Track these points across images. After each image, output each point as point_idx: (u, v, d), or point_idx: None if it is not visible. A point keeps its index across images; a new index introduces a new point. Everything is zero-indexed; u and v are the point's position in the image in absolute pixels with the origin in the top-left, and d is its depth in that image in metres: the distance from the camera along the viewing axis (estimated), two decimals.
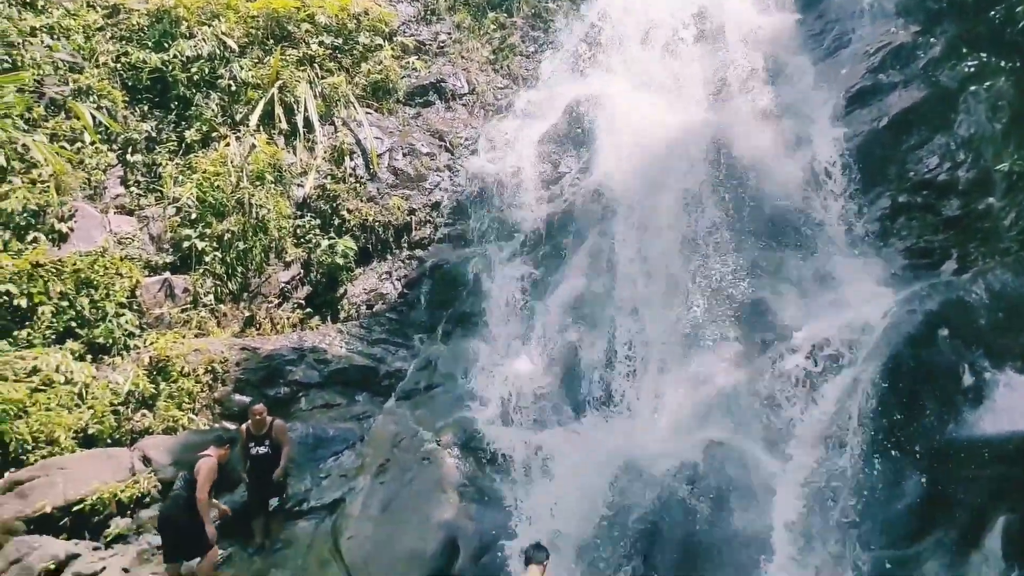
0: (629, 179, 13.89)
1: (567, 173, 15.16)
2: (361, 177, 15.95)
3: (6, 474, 10.91)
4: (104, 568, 9.86)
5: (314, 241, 15.12)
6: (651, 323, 12.34)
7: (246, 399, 12.65)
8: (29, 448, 11.27)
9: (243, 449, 10.61)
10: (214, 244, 14.58)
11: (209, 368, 12.93)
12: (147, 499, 10.69)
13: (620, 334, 12.43)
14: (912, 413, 10.01)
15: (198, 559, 9.42)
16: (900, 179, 12.54)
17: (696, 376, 11.50)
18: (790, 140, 13.60)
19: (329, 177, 15.83)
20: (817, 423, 10.36)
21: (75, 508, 10.33)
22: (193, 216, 14.67)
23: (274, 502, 10.81)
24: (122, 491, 10.50)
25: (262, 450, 10.51)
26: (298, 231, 15.33)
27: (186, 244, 14.45)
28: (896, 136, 12.77)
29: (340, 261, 14.80)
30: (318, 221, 15.42)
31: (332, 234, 15.23)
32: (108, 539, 10.34)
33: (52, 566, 9.64)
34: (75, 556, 9.91)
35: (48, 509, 10.21)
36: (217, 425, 12.45)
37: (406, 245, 15.49)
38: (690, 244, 12.79)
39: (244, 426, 10.81)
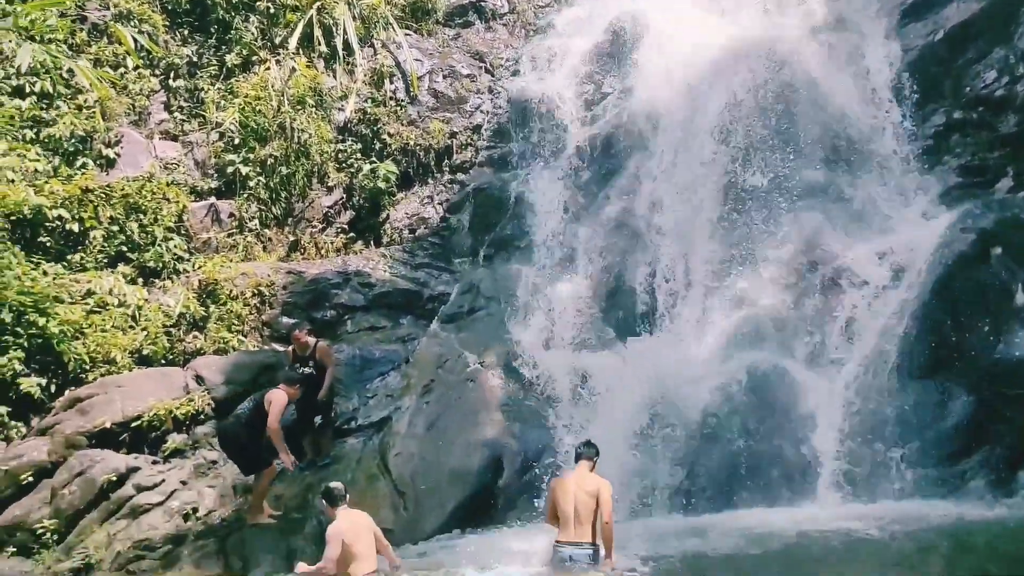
0: (675, 98, 13.60)
1: (611, 93, 14.86)
2: (401, 100, 15.82)
3: (66, 392, 11.30)
4: (163, 480, 10.23)
5: (356, 166, 15.12)
6: (696, 244, 12.24)
7: (293, 322, 12.88)
8: (87, 367, 11.62)
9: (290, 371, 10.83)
10: (257, 169, 14.66)
11: (256, 291, 13.14)
12: (201, 416, 10.98)
13: (664, 255, 12.37)
14: (961, 333, 9.92)
15: (254, 476, 9.74)
16: (955, 95, 12.17)
17: (741, 297, 11.45)
18: (842, 56, 13.19)
19: (369, 101, 15.72)
20: (864, 343, 10.31)
21: (133, 424, 10.65)
22: (236, 141, 14.73)
23: (318, 420, 10.99)
24: (177, 408, 10.78)
25: (307, 371, 10.67)
26: (340, 155, 15.32)
27: (230, 169, 14.55)
28: (952, 50, 12.34)
29: (382, 185, 14.80)
30: (359, 145, 15.39)
31: (373, 158, 15.19)
32: (166, 454, 10.68)
33: (114, 478, 10.02)
34: (135, 469, 10.27)
35: (108, 425, 10.54)
36: (266, 347, 12.71)
37: (447, 169, 15.41)
38: (738, 164, 12.57)
39: (290, 348, 11.03)
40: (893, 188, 11.89)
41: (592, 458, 8.00)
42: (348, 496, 7.89)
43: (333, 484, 7.87)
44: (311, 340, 10.84)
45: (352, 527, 7.49)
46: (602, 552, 7.61)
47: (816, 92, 12.68)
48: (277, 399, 9.51)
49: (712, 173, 12.65)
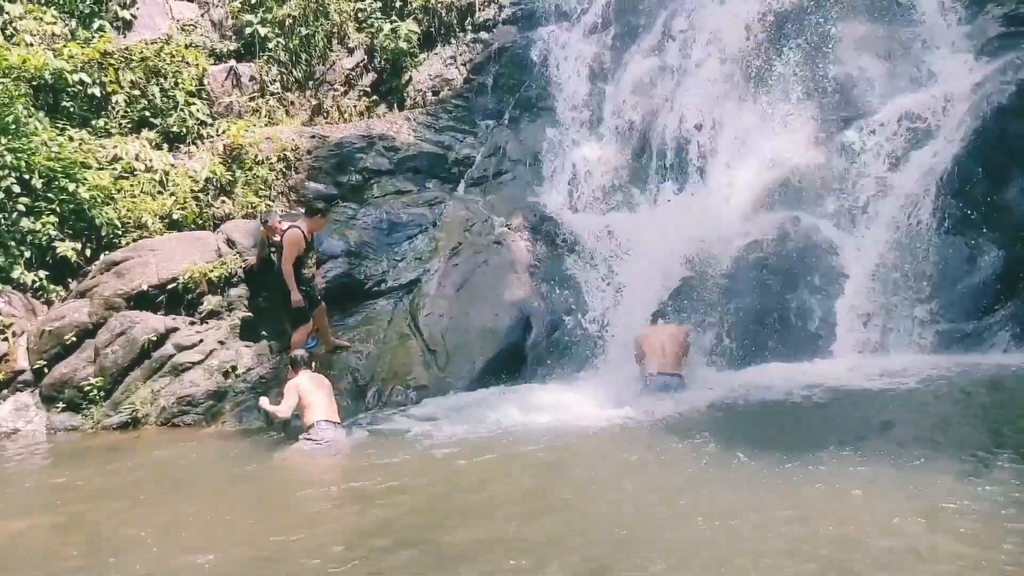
0: None
1: None
2: None
3: (101, 256, 11.49)
4: (202, 340, 10.51)
5: (376, 25, 14.71)
6: (726, 102, 11.97)
7: (320, 186, 12.90)
8: (119, 232, 11.75)
9: (261, 251, 10.72)
10: (276, 30, 14.34)
11: (281, 156, 13.06)
12: (234, 279, 11.14)
13: (692, 114, 12.11)
14: (995, 187, 9.80)
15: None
16: None
17: (772, 155, 11.28)
18: None
19: None
20: (895, 199, 10.21)
21: (169, 287, 10.81)
22: (253, 1, 14.36)
23: None
24: (211, 271, 10.89)
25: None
26: (359, 15, 14.91)
27: (248, 30, 14.24)
28: None
29: (404, 45, 14.45)
30: (379, 4, 14.93)
31: (394, 17, 14.79)
32: (202, 315, 10.90)
33: (154, 338, 10.30)
34: (174, 329, 10.54)
35: (144, 287, 10.72)
36: (294, 211, 12.75)
37: (470, 28, 14.96)
38: (769, 19, 12.13)
39: (263, 231, 10.56)
40: (932, 39, 11.45)
41: (667, 316, 9.74)
42: (313, 364, 9.16)
43: (297, 352, 9.08)
44: (284, 227, 10.08)
45: (309, 382, 8.52)
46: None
47: None
48: (290, 238, 9.69)
49: (744, 26, 12.22)
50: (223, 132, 13.22)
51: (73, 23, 13.14)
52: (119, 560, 5.21)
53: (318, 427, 8.18)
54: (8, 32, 12.79)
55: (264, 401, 8.74)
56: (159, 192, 12.30)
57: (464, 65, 14.71)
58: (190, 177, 12.56)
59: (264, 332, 10.75)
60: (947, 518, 4.80)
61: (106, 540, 5.69)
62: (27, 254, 11.08)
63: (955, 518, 4.78)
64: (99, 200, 11.63)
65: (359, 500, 6.33)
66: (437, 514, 5.61)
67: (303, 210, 11.00)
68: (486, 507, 5.69)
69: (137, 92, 13.08)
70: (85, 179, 11.55)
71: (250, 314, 10.94)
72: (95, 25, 13.29)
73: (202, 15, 14.43)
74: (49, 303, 11.21)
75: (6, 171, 10.96)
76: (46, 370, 10.35)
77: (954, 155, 9.92)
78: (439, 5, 14.83)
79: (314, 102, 14.44)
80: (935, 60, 11.24)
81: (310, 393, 8.36)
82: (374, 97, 14.64)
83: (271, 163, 12.96)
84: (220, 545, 5.28)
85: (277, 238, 10.14)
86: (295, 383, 8.46)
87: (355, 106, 14.52)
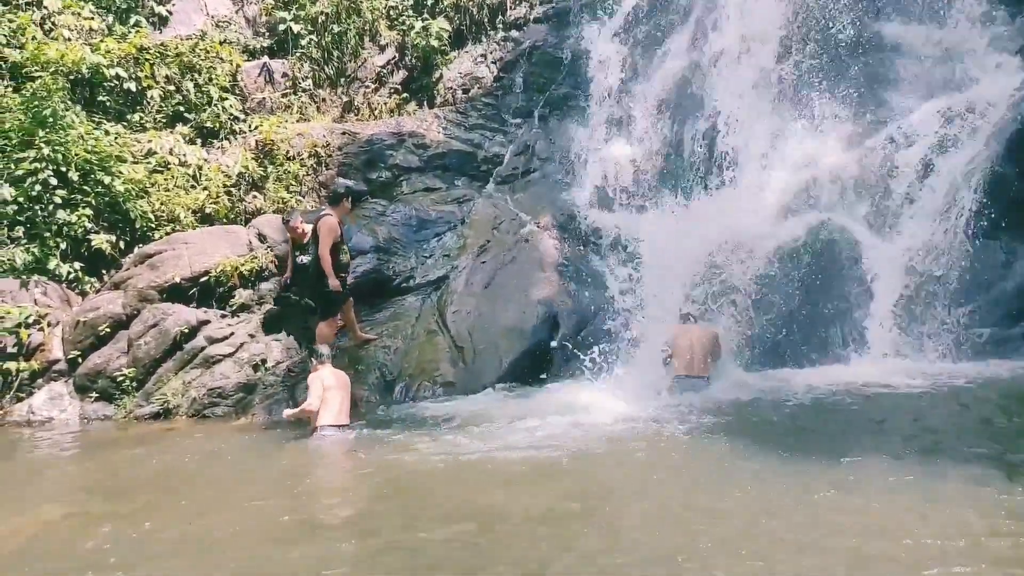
0: None
1: None
2: None
3: (135, 248, 11.65)
4: (232, 333, 10.60)
5: (407, 23, 14.80)
6: (757, 102, 11.89)
7: (350, 182, 12.97)
8: (153, 225, 11.94)
9: (291, 258, 10.82)
10: (309, 27, 14.47)
11: (312, 152, 13.19)
12: (265, 273, 11.25)
13: (724, 114, 12.05)
14: None
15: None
16: None
17: (804, 156, 11.20)
18: None
19: None
20: (929, 203, 10.09)
21: (201, 280, 10.95)
22: None
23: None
24: (243, 264, 11.01)
25: (305, 259, 10.32)
26: (391, 12, 15.01)
27: (281, 27, 14.38)
28: None
29: (435, 43, 14.51)
30: (411, 1, 15.03)
31: (425, 15, 14.85)
32: (233, 308, 11.01)
33: (186, 330, 10.42)
34: (205, 322, 10.65)
35: (177, 280, 10.86)
36: (324, 207, 12.84)
37: (501, 26, 15.00)
38: (803, 17, 12.03)
39: (289, 237, 10.77)
40: (970, 43, 11.31)
41: (696, 317, 9.73)
42: (334, 358, 9.22)
43: (321, 347, 9.15)
44: (308, 228, 10.21)
45: (331, 377, 8.73)
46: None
47: None
48: (326, 225, 9.71)
49: (777, 26, 12.13)
50: (255, 128, 13.37)
51: (110, 18, 13.36)
52: (128, 558, 5.26)
53: (321, 432, 8.43)
54: (47, 27, 13.02)
55: (289, 412, 8.87)
56: (192, 186, 12.47)
57: (494, 63, 14.74)
58: (223, 172, 12.72)
59: (292, 327, 10.86)
60: (972, 527, 4.74)
61: (127, 534, 5.71)
62: (63, 246, 11.25)
63: (980, 528, 4.72)
64: (133, 193, 11.80)
65: (368, 505, 6.25)
66: (448, 520, 5.56)
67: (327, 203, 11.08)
68: (501, 512, 5.64)
69: (172, 87, 13.26)
70: (120, 172, 11.73)
71: (278, 308, 11.05)
72: (132, 20, 13.51)
73: (236, 11, 14.60)
74: (84, 294, 11.38)
75: (43, 164, 11.14)
76: (80, 360, 10.51)
77: (990, 159, 9.79)
78: (470, 3, 14.89)
79: (345, 99, 14.53)
80: (972, 62, 11.10)
81: (328, 390, 8.60)
82: (404, 94, 14.71)
83: (302, 159, 13.08)
84: (226, 546, 5.33)
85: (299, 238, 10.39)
86: (318, 376, 8.72)
87: (385, 103, 14.59)
